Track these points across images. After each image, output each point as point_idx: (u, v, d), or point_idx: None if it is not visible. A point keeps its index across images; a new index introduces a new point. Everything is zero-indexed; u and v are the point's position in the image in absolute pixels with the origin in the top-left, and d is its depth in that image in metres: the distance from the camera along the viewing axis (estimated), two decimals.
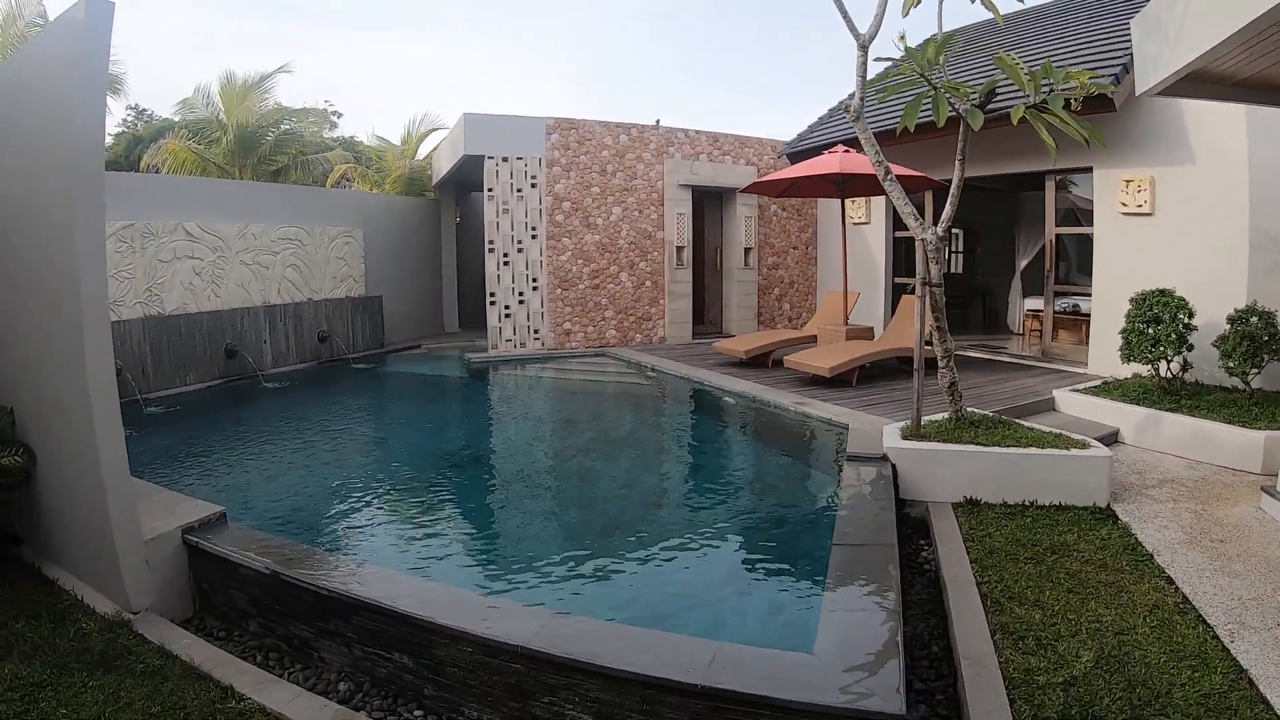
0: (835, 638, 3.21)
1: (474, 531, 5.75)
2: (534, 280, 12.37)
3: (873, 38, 5.21)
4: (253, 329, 11.49)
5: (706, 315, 13.82)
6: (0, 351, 4.77)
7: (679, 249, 12.94)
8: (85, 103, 4.01)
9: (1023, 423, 6.19)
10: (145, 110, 23.87)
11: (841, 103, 10.87)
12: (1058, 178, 9.39)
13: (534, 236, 12.29)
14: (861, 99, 5.28)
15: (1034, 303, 10.65)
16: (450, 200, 16.10)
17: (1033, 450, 5.43)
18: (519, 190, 12.13)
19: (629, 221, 12.72)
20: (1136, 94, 5.46)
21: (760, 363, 9.94)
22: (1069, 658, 3.44)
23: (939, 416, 6.25)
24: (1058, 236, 9.77)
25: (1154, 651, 3.45)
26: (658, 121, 13.14)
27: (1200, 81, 5.51)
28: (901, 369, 9.14)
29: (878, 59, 5.02)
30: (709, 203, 13.50)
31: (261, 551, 4.16)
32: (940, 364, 6.00)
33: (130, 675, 3.43)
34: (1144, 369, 7.32)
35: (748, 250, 13.45)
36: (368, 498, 6.35)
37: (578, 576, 4.73)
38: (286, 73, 16.30)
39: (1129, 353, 7.11)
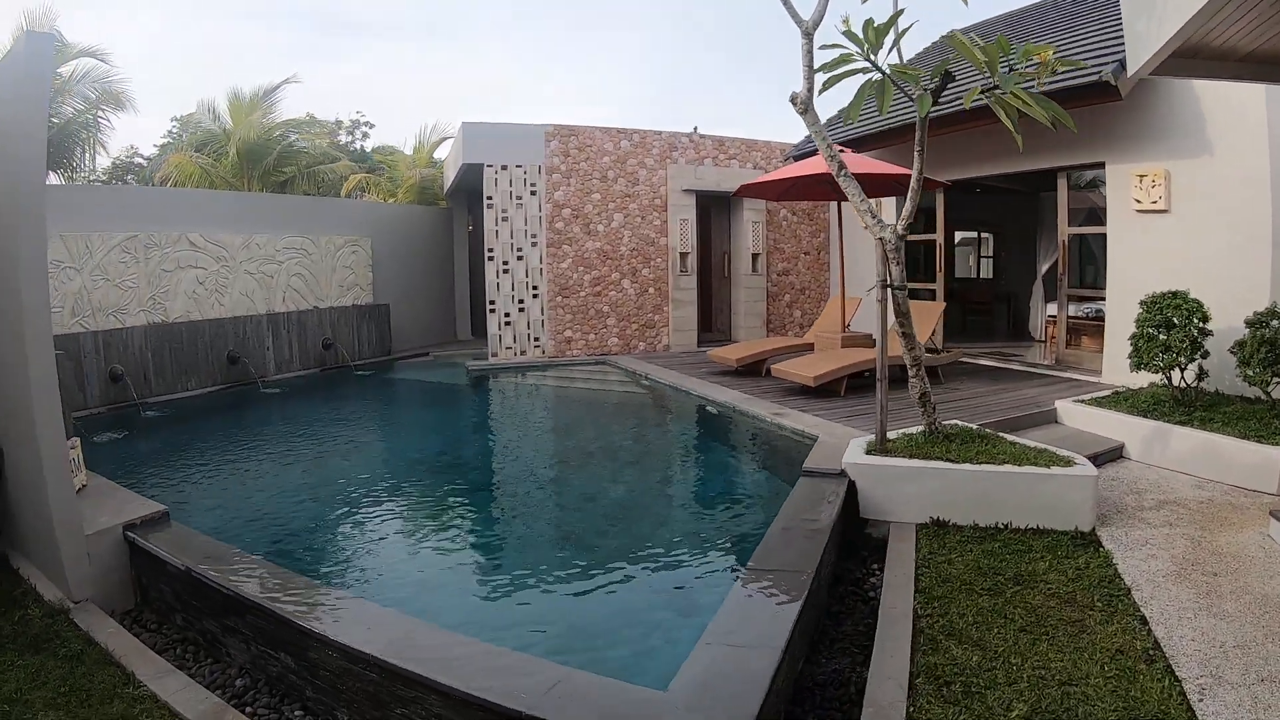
0: (698, 674, 2.88)
1: (423, 536, 5.64)
2: (534, 288, 12.15)
3: (817, 23, 4.80)
4: (255, 336, 11.50)
5: (715, 322, 13.43)
6: None
7: (683, 255, 12.56)
8: (29, 131, 4.27)
9: (1009, 437, 5.66)
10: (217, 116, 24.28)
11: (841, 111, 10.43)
12: (1070, 175, 8.77)
13: (534, 244, 12.07)
14: (809, 89, 4.88)
15: (1054, 308, 10.01)
16: (462, 209, 16.00)
17: (1008, 468, 4.94)
18: (518, 198, 11.92)
19: (631, 228, 12.41)
20: (1128, 76, 4.96)
21: (754, 371, 9.50)
22: (997, 710, 2.99)
23: (915, 430, 5.77)
24: (1081, 238, 9.16)
25: (1103, 708, 2.95)
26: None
27: (1199, 58, 5.00)
28: (903, 378, 8.60)
29: (823, 47, 4.60)
30: (716, 208, 13.13)
31: (183, 549, 4.27)
32: (910, 373, 5.53)
33: (53, 658, 3.73)
34: (1156, 378, 6.71)
35: (755, 256, 12.99)
36: (320, 499, 6.36)
37: (501, 581, 4.76)
38: (294, 83, 16.49)
39: (1138, 360, 6.51)
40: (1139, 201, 7.64)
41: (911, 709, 3.06)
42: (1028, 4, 12.00)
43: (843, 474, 5.25)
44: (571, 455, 7.99)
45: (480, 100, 58.39)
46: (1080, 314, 9.27)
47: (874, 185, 8.80)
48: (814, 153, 10.53)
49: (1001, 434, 5.77)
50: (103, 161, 22.84)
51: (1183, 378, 6.45)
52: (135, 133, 48.27)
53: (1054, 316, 9.96)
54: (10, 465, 4.84)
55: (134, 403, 9.56)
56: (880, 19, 4.38)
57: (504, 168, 11.83)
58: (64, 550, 4.31)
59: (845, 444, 5.75)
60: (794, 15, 4.86)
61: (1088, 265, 9.81)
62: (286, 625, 3.46)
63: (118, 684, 3.52)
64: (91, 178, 20.02)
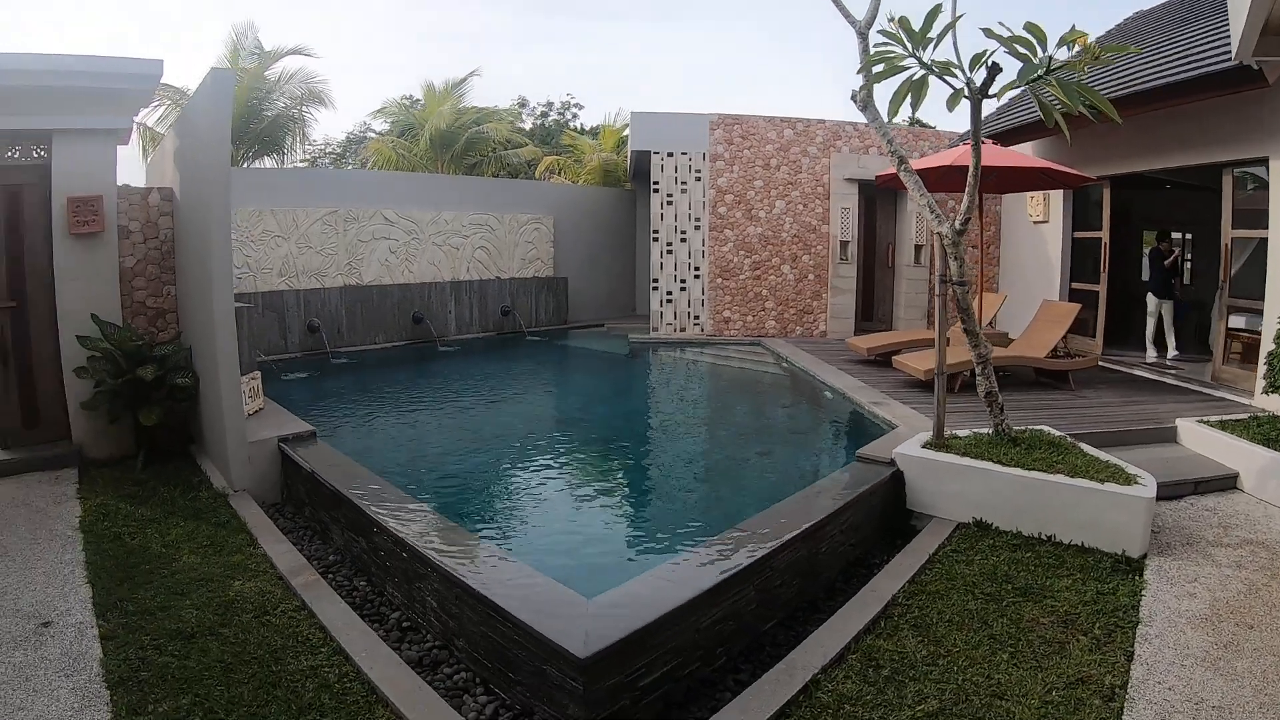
0: (620, 593, 3.39)
1: (530, 470, 6.58)
2: (696, 269, 12.64)
3: (870, 23, 4.82)
4: (439, 301, 12.96)
5: (876, 312, 13.19)
6: (190, 308, 6.52)
7: (843, 243, 12.49)
8: (217, 141, 5.67)
9: (1089, 449, 5.35)
10: (419, 102, 27.08)
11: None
12: (1236, 170, 7.82)
13: (697, 227, 12.56)
14: (867, 88, 4.93)
15: (1235, 320, 8.91)
16: (645, 190, 16.72)
17: (1058, 478, 4.73)
18: (683, 183, 12.46)
19: (792, 214, 12.53)
20: (1232, 57, 4.57)
21: (887, 361, 9.39)
22: (907, 700, 3.07)
23: (986, 431, 5.63)
24: (1263, 242, 8.15)
25: None
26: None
27: None
28: (1039, 381, 8.22)
29: (876, 46, 4.63)
30: (882, 198, 12.86)
31: (313, 457, 5.55)
32: (977, 371, 5.43)
33: (206, 524, 4.99)
34: None
35: (919, 247, 12.62)
36: (452, 434, 7.62)
37: (586, 511, 5.70)
38: (477, 76, 18.32)
39: (1271, 380, 5.88)
40: None
41: (821, 675, 3.24)
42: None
43: (892, 464, 5.31)
44: (681, 420, 8.70)
45: (709, 84, 58.92)
46: (1251, 329, 8.23)
47: (1018, 179, 8.44)
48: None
49: (1083, 445, 5.48)
50: (337, 135, 26.32)
51: None
52: (371, 106, 54.05)
53: (1233, 329, 8.89)
54: (203, 389, 6.19)
55: (326, 351, 11.27)
56: (944, 16, 4.39)
57: (670, 154, 12.42)
58: (231, 452, 5.64)
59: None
60: (847, 15, 4.94)
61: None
62: (362, 515, 4.45)
63: (243, 544, 4.68)
64: (327, 149, 23.24)
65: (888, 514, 5.22)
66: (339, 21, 53.98)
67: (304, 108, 16.07)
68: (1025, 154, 9.42)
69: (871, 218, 12.89)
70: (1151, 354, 9.84)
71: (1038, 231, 10.95)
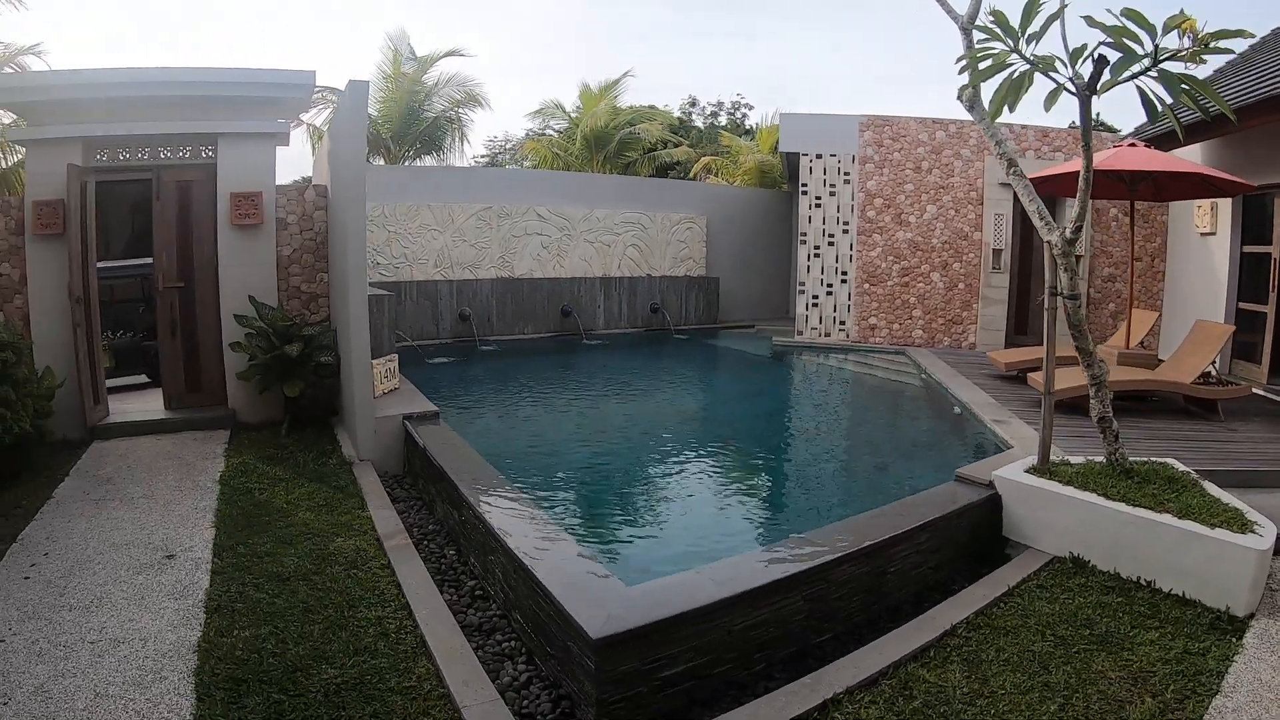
0: (659, 584, 3.59)
1: (630, 461, 6.96)
2: (843, 273, 12.46)
3: (973, 18, 4.63)
4: (588, 295, 13.52)
5: (1030, 325, 12.38)
6: (336, 297, 7.22)
7: (996, 252, 11.84)
8: (355, 147, 6.32)
9: (1211, 487, 4.85)
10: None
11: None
12: None
13: (845, 231, 12.38)
14: (972, 87, 4.75)
15: None
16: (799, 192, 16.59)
17: (1164, 518, 4.31)
18: (831, 186, 12.31)
19: (944, 220, 12.04)
20: None
21: (1025, 378, 8.88)
22: None
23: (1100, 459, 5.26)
24: None
25: None
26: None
27: None
28: (1186, 409, 7.51)
29: (979, 42, 4.46)
30: None
31: (429, 435, 6.02)
32: (1090, 393, 5.11)
33: (327, 486, 5.61)
34: None
35: (1078, 258, 11.67)
36: (570, 421, 8.10)
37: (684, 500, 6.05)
38: (631, 77, 18.95)
39: None
40: None
41: (844, 695, 3.20)
42: None
43: (990, 486, 5.11)
44: (799, 425, 8.74)
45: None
46: None
47: (1177, 185, 7.82)
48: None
49: (1207, 483, 4.98)
50: (516, 133, 27.86)
51: None
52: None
53: None
54: (343, 370, 6.92)
55: (475, 339, 12.11)
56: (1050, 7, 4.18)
57: (818, 156, 12.30)
58: (359, 425, 6.32)
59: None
60: (949, 11, 4.78)
61: None
62: (455, 490, 4.88)
63: (353, 506, 5.28)
64: (508, 145, 24.74)
65: (980, 539, 5.03)
66: (520, 23, 56.31)
67: (461, 109, 17.33)
68: (1185, 159, 8.57)
69: (1027, 226, 12.09)
70: None
71: (1205, 244, 9.93)
